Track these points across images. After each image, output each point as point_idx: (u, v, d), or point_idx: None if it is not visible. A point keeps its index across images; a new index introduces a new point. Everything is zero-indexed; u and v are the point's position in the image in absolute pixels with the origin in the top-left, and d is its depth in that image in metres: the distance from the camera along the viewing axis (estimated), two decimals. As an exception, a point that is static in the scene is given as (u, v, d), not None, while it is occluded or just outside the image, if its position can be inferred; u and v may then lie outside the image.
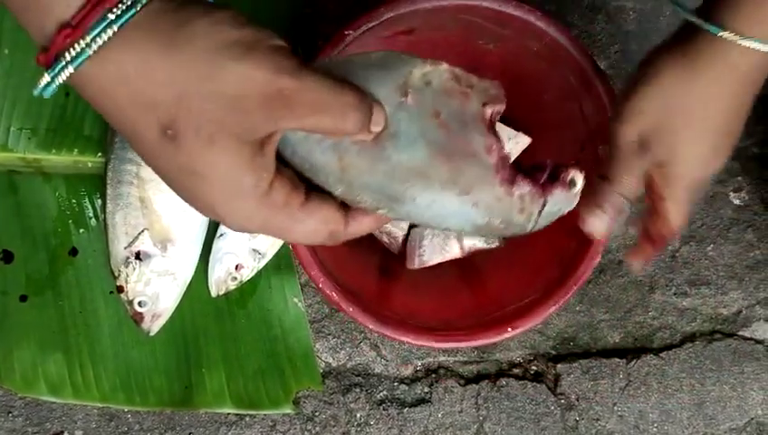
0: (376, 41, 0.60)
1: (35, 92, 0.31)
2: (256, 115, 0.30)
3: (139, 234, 0.65)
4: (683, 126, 0.45)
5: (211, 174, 0.31)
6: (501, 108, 0.36)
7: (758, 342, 0.73)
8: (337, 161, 0.34)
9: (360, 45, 0.56)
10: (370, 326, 0.58)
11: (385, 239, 0.67)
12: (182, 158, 0.31)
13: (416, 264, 0.65)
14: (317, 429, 0.71)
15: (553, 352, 0.73)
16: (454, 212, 0.35)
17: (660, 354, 0.73)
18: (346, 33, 0.56)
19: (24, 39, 0.67)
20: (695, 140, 0.46)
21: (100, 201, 0.69)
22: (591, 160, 0.56)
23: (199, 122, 0.30)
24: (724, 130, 0.46)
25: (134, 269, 0.65)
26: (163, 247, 0.65)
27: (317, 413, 0.72)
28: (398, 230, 0.66)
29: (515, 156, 0.64)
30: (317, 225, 0.35)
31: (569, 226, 0.60)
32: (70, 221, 0.69)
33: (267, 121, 0.31)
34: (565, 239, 0.60)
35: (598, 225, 0.49)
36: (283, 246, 0.69)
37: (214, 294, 0.68)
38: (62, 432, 0.71)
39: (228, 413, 0.71)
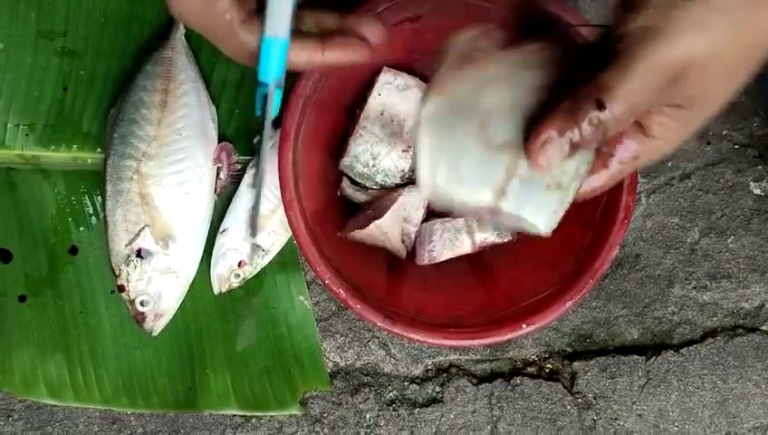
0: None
1: None
2: None
3: (140, 231, 0.64)
4: (713, 57, 0.35)
5: None
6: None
7: (782, 337, 0.71)
8: None
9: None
10: (378, 324, 0.56)
11: (393, 234, 0.65)
12: None
13: (425, 259, 0.63)
14: (325, 430, 0.70)
15: (569, 350, 0.71)
16: None
17: (680, 351, 0.70)
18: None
19: (19, 34, 0.66)
20: (722, 80, 0.36)
21: (100, 198, 0.67)
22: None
23: None
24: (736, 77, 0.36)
25: (135, 267, 0.64)
26: (165, 245, 0.64)
27: (325, 414, 0.70)
28: (410, 226, 0.64)
29: None
30: (253, 43, 0.40)
31: (584, 217, 0.59)
32: (69, 219, 0.68)
33: None
34: (581, 231, 0.58)
35: (551, 153, 0.36)
36: (289, 243, 0.67)
37: (216, 291, 0.66)
38: (64, 436, 0.70)
39: (234, 415, 0.69)
